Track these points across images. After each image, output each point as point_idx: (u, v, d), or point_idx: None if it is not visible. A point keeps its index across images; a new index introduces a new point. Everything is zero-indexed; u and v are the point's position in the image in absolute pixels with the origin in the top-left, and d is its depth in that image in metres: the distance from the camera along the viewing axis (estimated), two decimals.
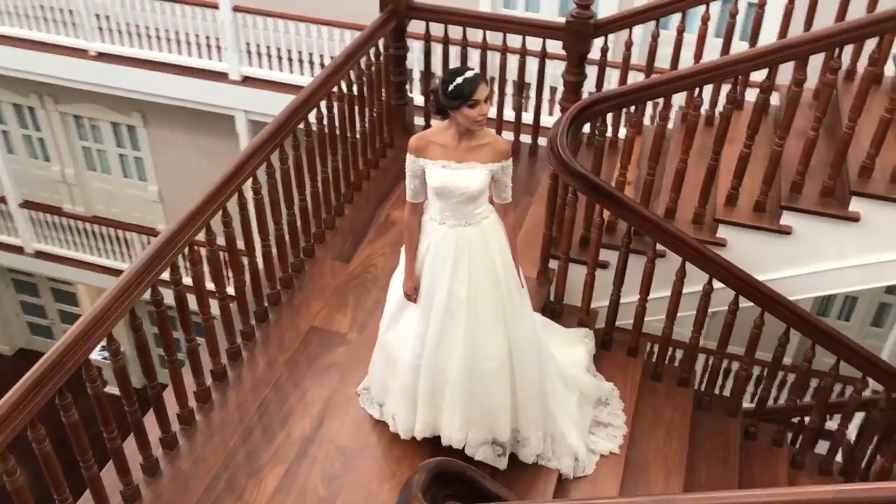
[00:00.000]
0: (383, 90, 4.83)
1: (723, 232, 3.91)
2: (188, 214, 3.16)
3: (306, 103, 3.91)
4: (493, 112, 4.98)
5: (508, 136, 5.02)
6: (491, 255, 3.06)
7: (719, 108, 4.59)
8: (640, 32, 4.52)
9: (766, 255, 3.85)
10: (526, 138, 5.10)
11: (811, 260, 3.80)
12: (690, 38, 4.60)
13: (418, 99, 5.27)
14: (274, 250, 3.90)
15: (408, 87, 5.21)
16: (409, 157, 3.00)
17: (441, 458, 2.33)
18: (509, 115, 5.03)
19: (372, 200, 4.73)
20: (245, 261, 3.69)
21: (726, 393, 4.81)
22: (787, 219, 3.77)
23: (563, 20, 4.53)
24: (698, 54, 4.51)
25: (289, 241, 4.04)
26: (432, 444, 3.35)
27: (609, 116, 4.09)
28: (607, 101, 3.73)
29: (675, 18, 4.51)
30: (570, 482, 3.50)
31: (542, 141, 5.02)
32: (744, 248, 3.86)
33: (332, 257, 4.34)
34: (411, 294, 3.16)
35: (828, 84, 3.45)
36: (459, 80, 2.83)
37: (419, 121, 5.25)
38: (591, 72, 4.77)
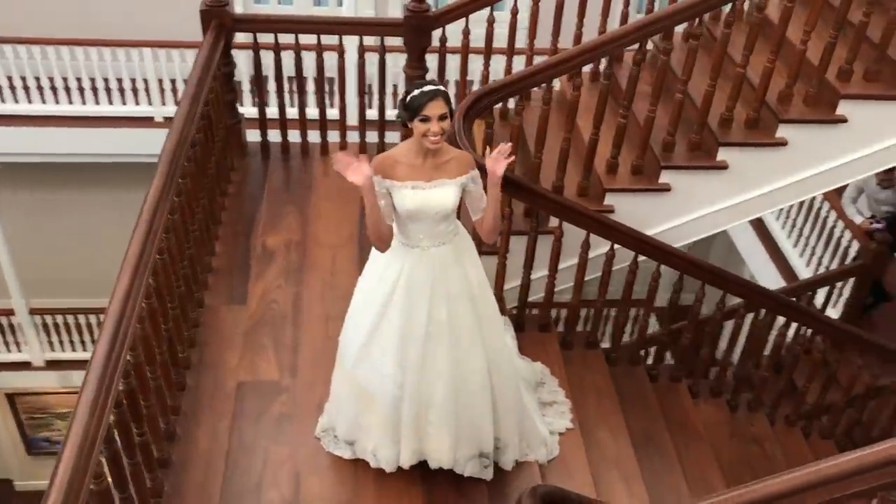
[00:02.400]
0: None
1: (609, 199, 4.14)
2: (121, 300, 2.73)
3: (181, 143, 3.52)
4: (334, 113, 4.84)
5: (354, 136, 4.92)
6: (465, 271, 3.01)
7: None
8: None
9: (651, 213, 4.16)
10: (372, 137, 4.98)
11: (689, 209, 4.17)
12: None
13: (249, 112, 4.95)
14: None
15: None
16: (374, 179, 2.83)
17: (538, 487, 2.32)
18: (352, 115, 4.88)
19: (239, 232, 4.39)
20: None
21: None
22: (665, 177, 4.09)
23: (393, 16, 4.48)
24: (532, 34, 4.69)
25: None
26: (421, 468, 3.26)
27: None
28: (495, 94, 3.77)
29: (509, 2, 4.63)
30: (544, 468, 3.59)
31: (390, 138, 4.96)
32: (630, 210, 4.13)
33: (225, 302, 3.99)
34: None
35: (692, 49, 3.77)
36: (416, 92, 2.73)
37: (254, 136, 4.93)
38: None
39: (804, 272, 6.59)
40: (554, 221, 3.99)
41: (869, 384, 4.76)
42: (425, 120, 2.72)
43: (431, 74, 4.75)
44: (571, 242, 4.02)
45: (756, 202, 4.15)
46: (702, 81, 3.97)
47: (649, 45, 3.89)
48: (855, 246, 5.96)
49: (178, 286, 3.51)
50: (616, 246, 4.01)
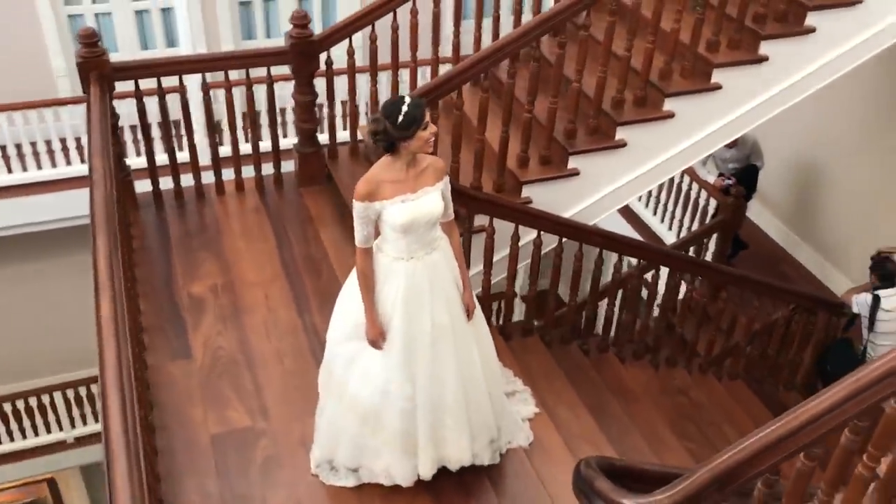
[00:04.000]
0: None
1: (526, 191, 4.34)
2: (114, 366, 2.56)
3: (108, 199, 3.33)
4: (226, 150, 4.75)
5: (249, 170, 4.83)
6: (452, 270, 3.09)
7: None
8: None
9: (564, 198, 4.39)
10: (268, 169, 4.90)
11: (597, 189, 4.44)
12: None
13: (136, 163, 4.72)
14: None
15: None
16: (361, 205, 2.86)
17: (595, 458, 2.44)
18: (246, 149, 4.78)
19: (158, 287, 4.20)
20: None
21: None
22: (572, 162, 4.33)
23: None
24: (413, 45, 4.81)
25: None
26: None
27: None
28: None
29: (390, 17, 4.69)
30: (528, 452, 3.71)
31: (286, 167, 4.91)
32: (546, 198, 4.34)
33: (168, 359, 3.81)
34: (377, 342, 3.04)
35: (582, 40, 4.04)
36: (406, 108, 2.80)
37: (144, 186, 4.70)
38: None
39: (668, 236, 7.14)
40: (483, 219, 4.13)
41: (766, 322, 5.27)
42: (426, 126, 2.82)
43: (321, 98, 4.76)
44: (500, 236, 4.17)
45: (653, 173, 4.49)
46: (589, 73, 4.25)
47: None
48: (713, 204, 6.53)
49: (135, 348, 3.33)
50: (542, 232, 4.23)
